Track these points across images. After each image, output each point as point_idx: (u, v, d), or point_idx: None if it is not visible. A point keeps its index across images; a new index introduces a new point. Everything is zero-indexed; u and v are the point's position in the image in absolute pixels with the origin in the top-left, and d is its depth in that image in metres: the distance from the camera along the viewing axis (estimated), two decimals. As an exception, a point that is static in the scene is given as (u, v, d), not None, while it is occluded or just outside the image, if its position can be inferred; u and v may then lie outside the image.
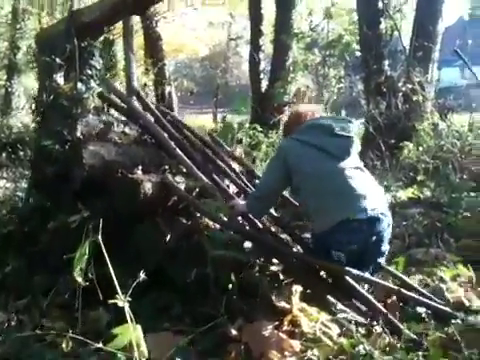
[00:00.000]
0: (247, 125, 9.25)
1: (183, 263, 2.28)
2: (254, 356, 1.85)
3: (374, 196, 2.35)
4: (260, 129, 8.69)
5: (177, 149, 2.71)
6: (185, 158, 2.67)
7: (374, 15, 9.37)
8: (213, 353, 1.89)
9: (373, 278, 2.33)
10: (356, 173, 2.37)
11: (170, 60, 14.25)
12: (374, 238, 2.31)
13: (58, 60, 2.70)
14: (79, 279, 1.53)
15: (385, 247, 2.41)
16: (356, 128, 2.50)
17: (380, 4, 9.61)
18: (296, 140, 2.45)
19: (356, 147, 2.48)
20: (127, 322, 1.28)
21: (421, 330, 2.00)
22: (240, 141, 7.10)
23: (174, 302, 2.22)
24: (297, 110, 2.74)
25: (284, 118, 10.33)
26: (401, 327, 2.00)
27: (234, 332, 1.98)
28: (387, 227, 2.36)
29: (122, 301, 1.24)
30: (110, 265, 1.48)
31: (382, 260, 2.46)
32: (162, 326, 2.08)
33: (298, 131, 2.49)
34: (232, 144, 6.86)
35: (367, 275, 2.32)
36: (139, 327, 1.26)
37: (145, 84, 10.48)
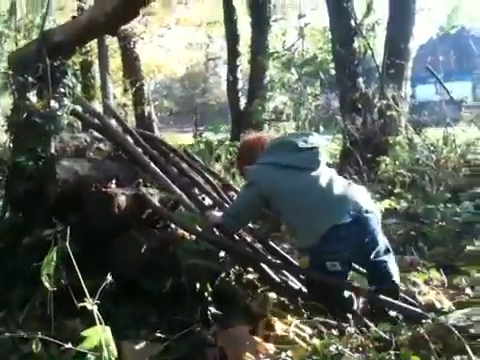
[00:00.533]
0: (227, 143, 9.35)
1: (159, 274, 2.30)
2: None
3: (355, 196, 2.34)
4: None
5: (151, 164, 2.75)
6: (159, 172, 2.71)
7: (347, 34, 9.63)
8: (189, 359, 1.91)
9: (351, 282, 2.37)
10: (330, 180, 2.38)
11: (149, 80, 14.38)
12: (367, 239, 2.30)
13: (30, 79, 2.73)
14: (47, 284, 1.55)
15: (380, 244, 2.37)
16: (320, 139, 2.53)
17: (352, 23, 9.90)
18: (262, 164, 2.43)
19: (323, 157, 2.49)
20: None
21: (391, 330, 2.05)
22: (218, 158, 7.18)
23: (151, 312, 2.24)
24: (251, 138, 2.73)
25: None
26: (371, 326, 2.05)
27: (210, 337, 2.01)
28: (377, 224, 2.36)
29: (91, 304, 1.27)
30: (81, 274, 1.52)
31: (386, 256, 2.42)
32: (139, 334, 2.10)
33: (262, 155, 2.48)
34: (210, 160, 6.94)
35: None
36: (108, 329, 1.28)
37: (124, 104, 10.56)
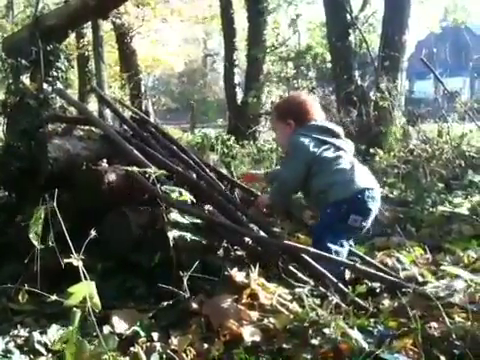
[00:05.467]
0: (224, 136, 9.41)
1: (148, 249, 2.37)
2: (214, 327, 1.94)
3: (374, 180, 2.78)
4: (235, 141, 8.84)
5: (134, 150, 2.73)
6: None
7: (343, 28, 9.69)
8: (175, 327, 1.97)
9: (330, 255, 2.44)
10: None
11: (147, 76, 14.43)
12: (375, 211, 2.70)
13: (24, 62, 2.80)
14: (35, 242, 1.61)
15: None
16: None
17: (348, 17, 9.95)
18: (306, 136, 2.72)
19: None
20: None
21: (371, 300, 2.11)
22: (212, 149, 7.23)
23: (139, 284, 2.30)
24: (305, 98, 3.03)
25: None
26: (347, 291, 2.12)
27: (195, 306, 2.07)
28: None
29: (76, 259, 1.33)
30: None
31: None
32: (127, 306, 2.16)
33: (304, 129, 2.77)
34: (205, 152, 6.99)
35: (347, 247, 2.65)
36: (93, 283, 1.34)
37: (121, 99, 10.59)
